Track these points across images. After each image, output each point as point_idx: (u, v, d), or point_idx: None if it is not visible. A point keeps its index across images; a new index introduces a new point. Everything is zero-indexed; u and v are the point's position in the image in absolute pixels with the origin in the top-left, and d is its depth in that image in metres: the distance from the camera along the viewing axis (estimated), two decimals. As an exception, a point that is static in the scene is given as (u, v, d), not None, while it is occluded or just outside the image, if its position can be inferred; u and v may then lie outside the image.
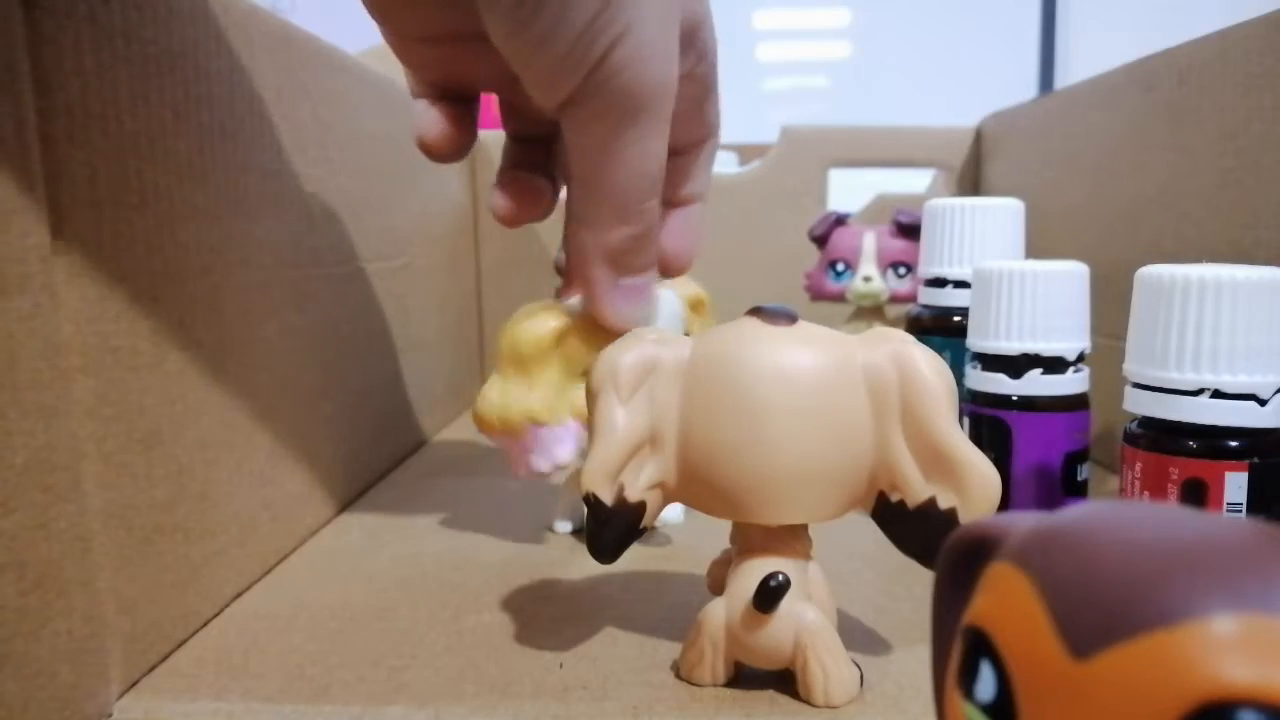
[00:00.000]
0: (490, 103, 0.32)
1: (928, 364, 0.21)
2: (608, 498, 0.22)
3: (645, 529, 0.23)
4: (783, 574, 0.21)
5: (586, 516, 0.22)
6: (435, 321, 0.54)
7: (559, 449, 0.29)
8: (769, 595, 0.22)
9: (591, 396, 0.22)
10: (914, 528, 0.22)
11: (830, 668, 0.22)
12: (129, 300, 0.24)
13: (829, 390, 0.21)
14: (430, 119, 0.29)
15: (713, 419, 0.21)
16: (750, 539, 0.23)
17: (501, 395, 0.29)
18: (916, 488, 0.21)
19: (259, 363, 0.31)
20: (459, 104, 0.29)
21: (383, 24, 0.26)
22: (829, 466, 0.21)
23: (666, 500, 0.23)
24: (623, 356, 0.22)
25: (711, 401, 0.21)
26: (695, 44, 0.26)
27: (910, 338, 0.22)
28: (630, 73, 0.23)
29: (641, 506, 0.22)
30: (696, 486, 0.22)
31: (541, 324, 0.29)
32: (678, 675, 0.24)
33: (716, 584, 0.25)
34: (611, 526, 0.22)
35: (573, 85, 0.23)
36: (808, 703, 0.22)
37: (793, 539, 0.23)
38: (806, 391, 0.21)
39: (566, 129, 0.25)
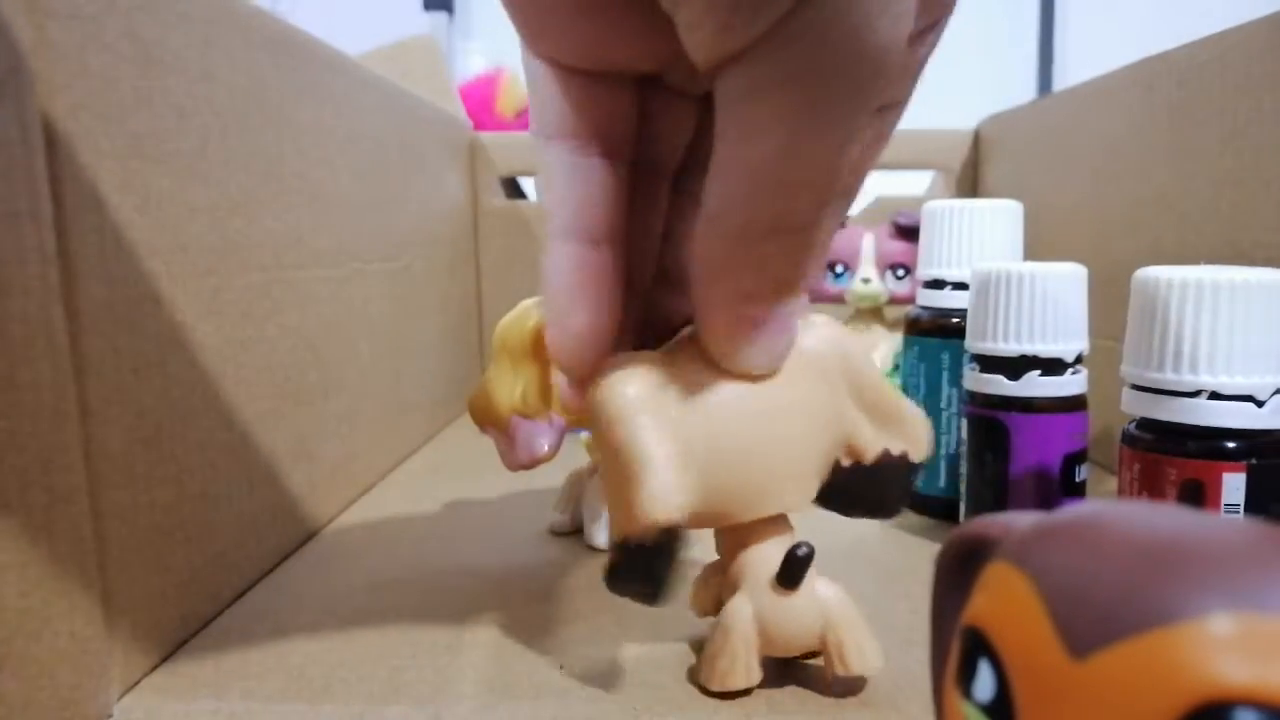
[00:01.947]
0: (488, 102, 0.31)
1: (850, 339, 0.23)
2: (682, 520, 0.20)
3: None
4: (806, 543, 0.22)
5: (644, 555, 0.20)
6: (435, 322, 0.54)
7: (539, 441, 0.29)
8: (797, 565, 0.22)
9: (612, 424, 0.20)
10: (872, 482, 0.23)
11: (861, 637, 0.23)
12: (131, 301, 0.24)
13: (795, 377, 0.22)
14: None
15: (720, 426, 0.21)
16: (743, 535, 0.23)
17: (490, 387, 0.30)
18: (871, 442, 0.23)
19: (260, 364, 0.31)
20: (616, 168, 0.21)
21: None
22: (815, 445, 0.22)
23: (689, 524, 0.22)
24: (635, 377, 0.21)
25: (716, 410, 0.21)
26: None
27: (824, 319, 0.23)
28: (848, 23, 0.15)
29: (683, 532, 0.21)
30: (711, 496, 0.22)
31: (526, 318, 0.29)
32: (706, 690, 0.23)
33: (709, 603, 0.25)
34: (667, 559, 0.20)
35: (758, 30, 0.15)
36: (845, 674, 0.23)
37: (782, 522, 0.23)
38: (778, 385, 0.22)
39: (730, 98, 0.17)
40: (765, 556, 0.23)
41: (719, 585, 0.24)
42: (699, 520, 0.22)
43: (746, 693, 0.23)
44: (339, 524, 0.37)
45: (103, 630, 0.22)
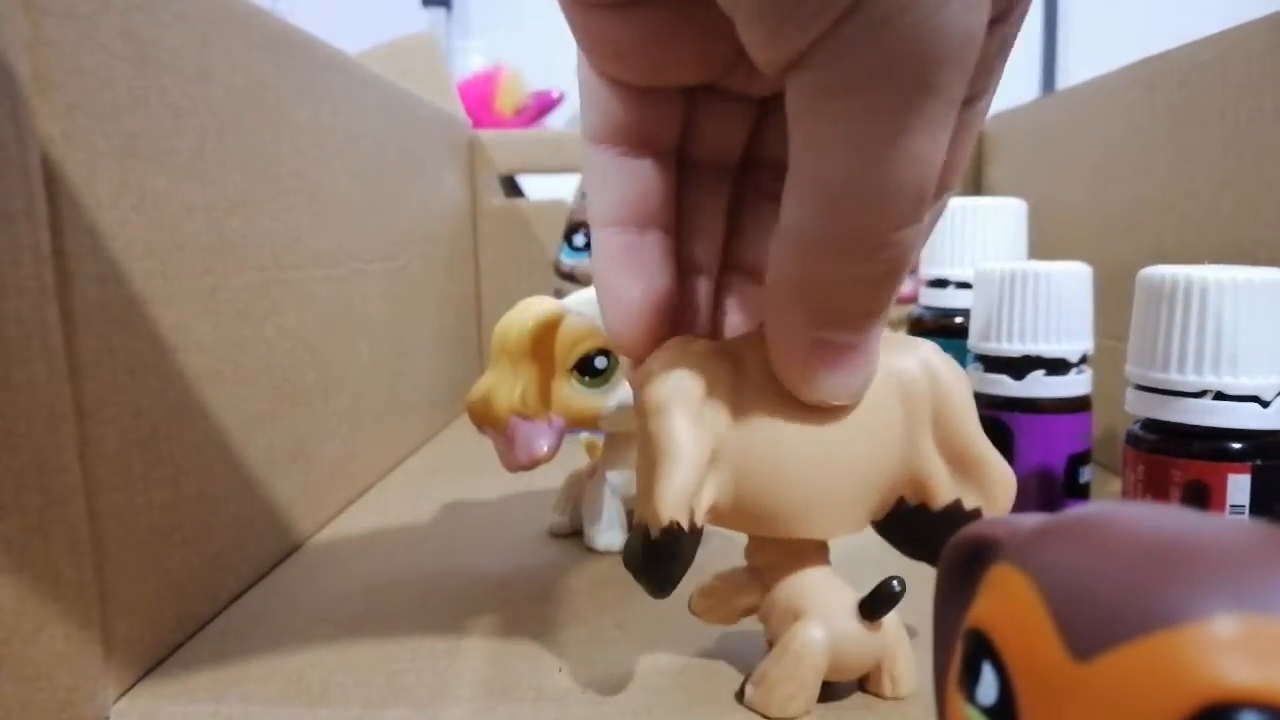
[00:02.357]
0: (487, 100, 0.31)
1: (953, 372, 0.22)
2: (687, 523, 0.20)
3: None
4: (899, 579, 0.21)
5: (652, 548, 0.20)
6: (434, 322, 0.54)
7: (538, 442, 0.29)
8: (889, 600, 0.21)
9: (652, 414, 0.20)
10: (935, 529, 0.22)
11: (909, 665, 0.23)
12: (127, 301, 0.24)
13: (873, 399, 0.21)
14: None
15: (764, 437, 0.21)
16: (789, 555, 0.23)
17: (488, 387, 0.29)
18: (945, 490, 0.21)
19: (258, 364, 0.31)
20: (663, 167, 0.21)
21: None
22: (871, 475, 0.21)
23: (714, 522, 0.22)
24: (684, 369, 0.20)
25: (767, 417, 0.21)
26: None
27: (932, 345, 0.22)
28: (909, 19, 0.14)
29: (702, 531, 0.21)
30: (745, 506, 0.21)
31: (526, 318, 0.29)
32: (765, 715, 0.22)
33: (730, 613, 0.24)
34: (683, 557, 0.20)
35: (812, 34, 0.15)
36: (892, 697, 0.23)
37: (825, 548, 0.23)
38: (850, 409, 0.21)
39: (794, 105, 0.16)
40: (827, 584, 0.22)
41: (751, 599, 0.24)
42: (730, 522, 0.22)
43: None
44: (337, 526, 0.37)
45: (99, 633, 0.22)
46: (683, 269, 0.22)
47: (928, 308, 0.39)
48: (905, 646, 0.23)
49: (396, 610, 0.28)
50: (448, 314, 0.57)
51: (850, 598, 0.22)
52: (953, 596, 0.13)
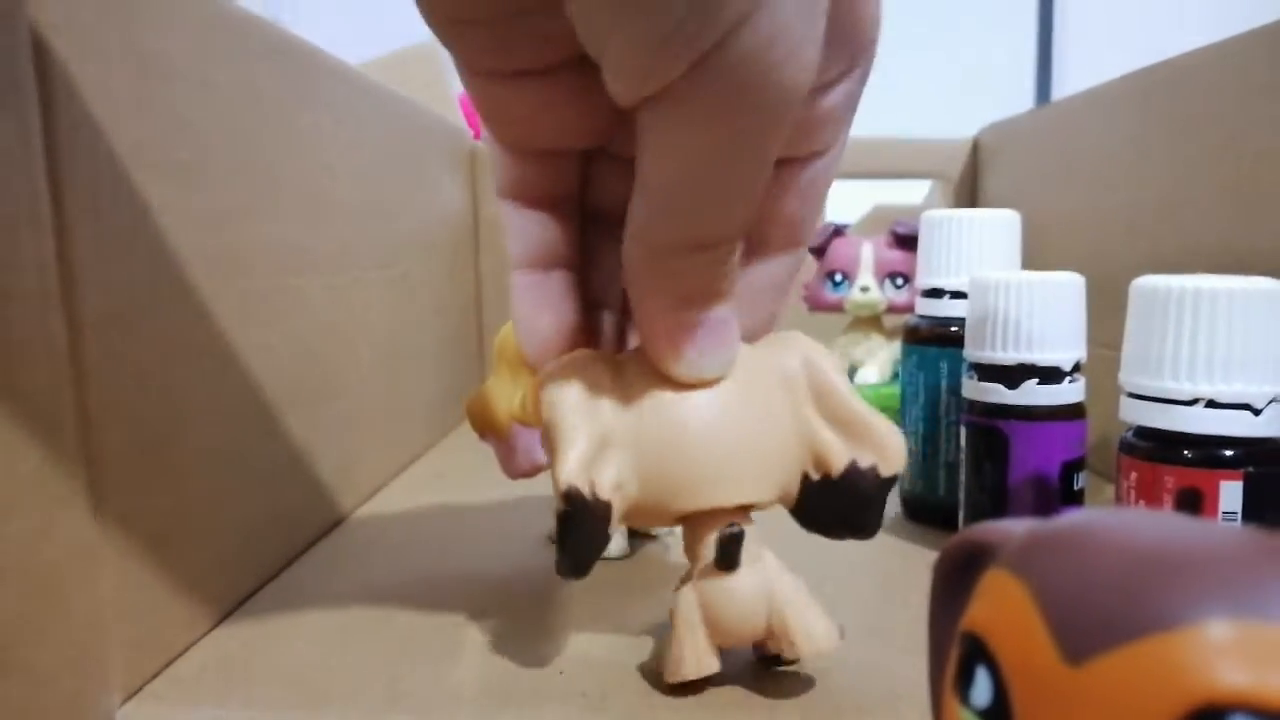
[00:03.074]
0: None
1: (822, 354, 0.24)
2: (587, 490, 0.21)
3: (610, 537, 0.23)
4: (736, 523, 0.22)
5: (561, 523, 0.21)
6: (435, 329, 0.54)
7: (539, 450, 0.30)
8: (728, 545, 0.22)
9: (544, 409, 0.23)
10: (840, 495, 0.23)
11: (810, 616, 0.23)
12: (130, 308, 0.24)
13: (750, 384, 0.23)
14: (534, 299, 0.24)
15: (658, 415, 0.22)
16: (696, 528, 0.23)
17: (489, 394, 0.30)
18: (838, 453, 0.23)
19: (260, 371, 0.31)
20: (562, 216, 0.24)
21: (457, 55, 0.20)
22: (761, 443, 0.23)
23: (627, 508, 0.23)
24: (568, 369, 0.23)
25: (654, 401, 0.22)
26: (854, 48, 0.20)
27: (799, 335, 0.24)
28: (755, 65, 0.17)
29: (610, 507, 0.22)
30: (650, 482, 0.22)
31: None
32: (669, 682, 0.23)
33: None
34: (590, 527, 0.22)
35: (674, 73, 0.17)
36: (793, 658, 0.23)
37: (737, 514, 0.23)
38: (733, 387, 0.23)
39: (648, 129, 0.19)
40: (709, 544, 0.23)
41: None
42: (644, 513, 0.23)
43: (703, 685, 0.24)
44: (339, 531, 0.37)
45: (104, 637, 0.22)
46: (590, 304, 0.25)
47: (923, 317, 0.39)
48: (794, 602, 0.23)
49: (398, 615, 0.29)
50: (448, 321, 0.57)
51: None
52: (948, 601, 0.13)
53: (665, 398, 0.22)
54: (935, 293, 0.38)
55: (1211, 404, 0.25)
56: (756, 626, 0.23)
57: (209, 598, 0.28)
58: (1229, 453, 0.25)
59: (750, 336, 0.24)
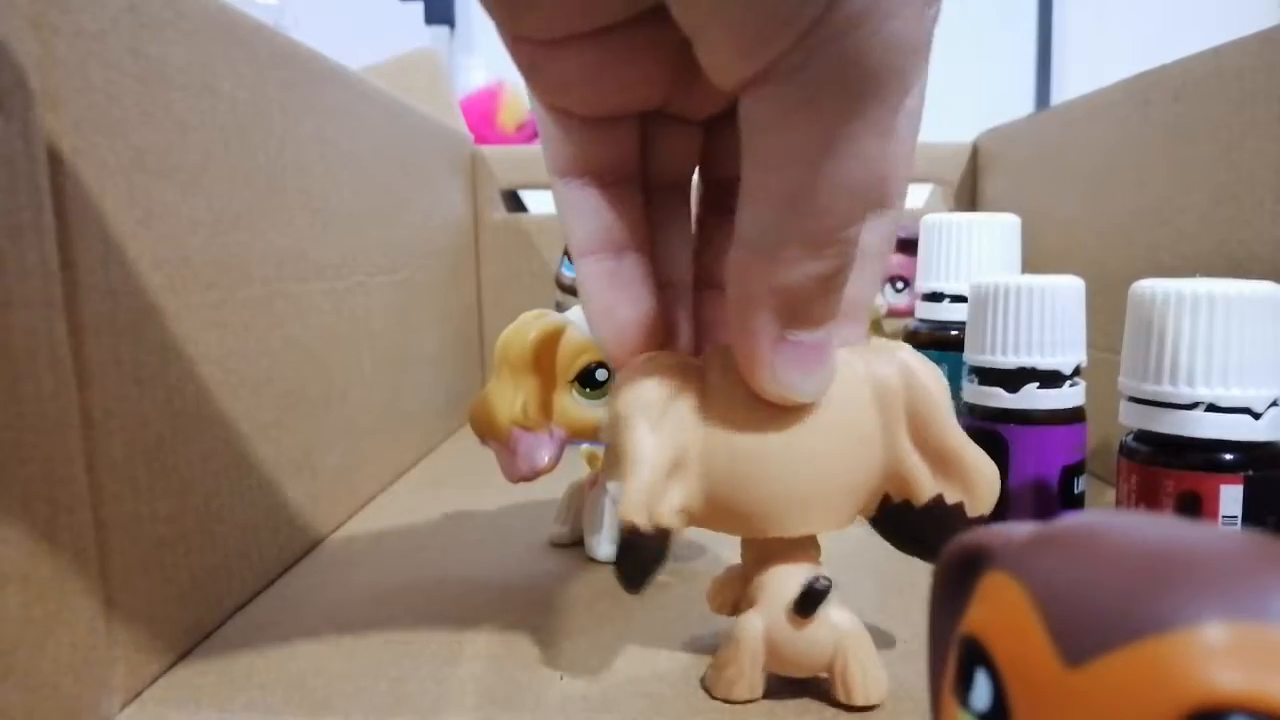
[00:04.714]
0: (489, 115, 0.31)
1: (928, 372, 0.22)
2: (647, 525, 0.21)
3: (667, 555, 0.22)
4: (825, 577, 0.22)
5: (620, 547, 0.21)
6: (436, 334, 0.54)
7: (540, 453, 0.30)
8: (813, 599, 0.22)
9: (618, 423, 0.21)
10: (920, 525, 0.23)
11: (869, 667, 0.23)
12: (134, 313, 0.24)
13: (841, 404, 0.22)
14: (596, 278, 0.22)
15: (734, 442, 0.21)
16: (766, 549, 0.23)
17: (490, 398, 0.30)
18: (925, 486, 0.22)
19: (262, 375, 0.31)
20: (626, 194, 0.22)
21: (520, 23, 0.19)
22: (846, 476, 0.22)
23: (689, 524, 0.23)
24: (648, 381, 0.21)
25: (734, 422, 0.21)
26: None
27: (907, 348, 0.23)
28: (864, 31, 0.15)
29: (669, 533, 0.22)
30: (719, 508, 0.22)
31: (527, 331, 0.29)
32: (711, 695, 0.23)
33: (727, 604, 0.25)
34: (645, 555, 0.21)
35: (777, 50, 0.15)
36: (846, 705, 0.23)
37: (809, 545, 0.23)
38: (821, 407, 0.21)
39: (751, 118, 0.17)
40: (784, 579, 0.23)
41: (739, 591, 0.24)
42: (709, 523, 0.23)
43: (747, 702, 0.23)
44: (341, 535, 0.37)
45: (105, 640, 0.23)
46: (660, 287, 0.23)
47: (923, 321, 0.39)
48: (858, 653, 0.23)
49: (399, 619, 0.29)
50: (450, 326, 0.57)
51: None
52: (947, 604, 0.13)
53: (746, 418, 0.21)
54: (935, 296, 0.38)
55: (1211, 408, 0.25)
56: (817, 668, 0.23)
57: (210, 601, 0.28)
58: (1229, 457, 0.25)
59: (853, 308, 0.22)
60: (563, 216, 0.22)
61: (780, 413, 0.21)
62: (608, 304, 0.22)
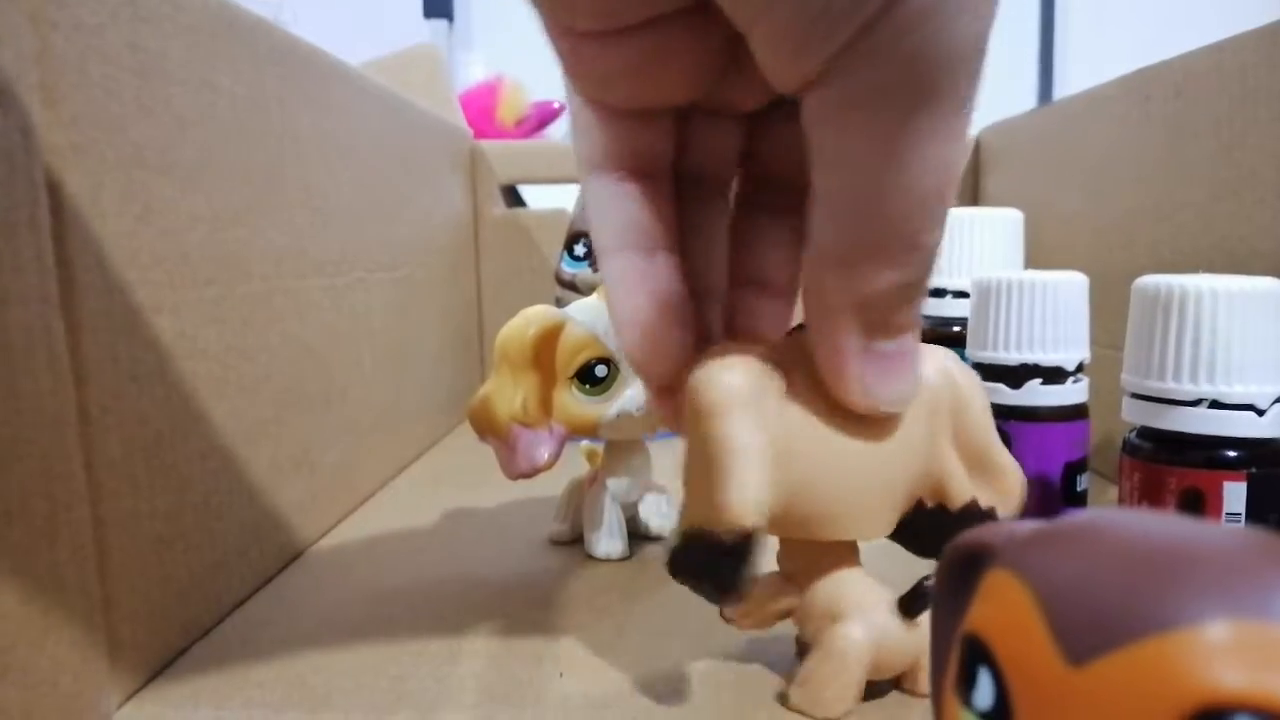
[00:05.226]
0: (489, 110, 0.31)
1: (966, 376, 0.22)
2: (759, 524, 0.19)
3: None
4: (931, 575, 0.21)
5: (721, 554, 0.19)
6: (436, 331, 0.54)
7: (539, 451, 0.30)
8: (925, 597, 0.22)
9: (706, 416, 0.20)
10: (954, 529, 0.22)
11: None
12: (132, 310, 0.24)
13: (905, 411, 0.21)
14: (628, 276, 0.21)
15: (811, 440, 0.21)
16: (821, 557, 0.23)
17: (490, 395, 0.30)
18: (963, 491, 0.22)
19: (261, 372, 0.31)
20: (660, 190, 0.21)
21: (563, 15, 0.18)
22: (902, 479, 0.22)
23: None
24: (735, 375, 0.20)
25: (813, 422, 0.21)
26: None
27: (947, 352, 0.23)
28: (929, 28, 0.15)
29: (757, 533, 0.20)
30: (788, 507, 0.21)
31: (526, 327, 0.29)
32: (811, 716, 0.22)
33: (768, 619, 0.24)
34: (751, 560, 0.20)
35: (835, 46, 0.15)
36: (924, 695, 0.23)
37: (855, 549, 0.23)
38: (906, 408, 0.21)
39: (814, 122, 0.16)
40: (862, 584, 0.23)
41: (786, 602, 0.24)
42: (773, 527, 0.21)
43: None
44: (340, 532, 0.37)
45: (103, 638, 0.22)
46: (692, 289, 0.22)
47: (925, 316, 0.39)
48: None
49: (399, 616, 0.29)
50: (449, 322, 0.57)
51: (886, 596, 0.23)
52: (949, 602, 0.13)
53: (822, 422, 0.20)
54: (937, 292, 0.38)
55: (1215, 404, 0.25)
56: (903, 667, 0.23)
57: (209, 599, 0.27)
58: (1232, 453, 0.25)
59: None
60: (592, 212, 0.21)
61: (850, 415, 0.20)
62: (635, 305, 0.21)
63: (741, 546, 0.19)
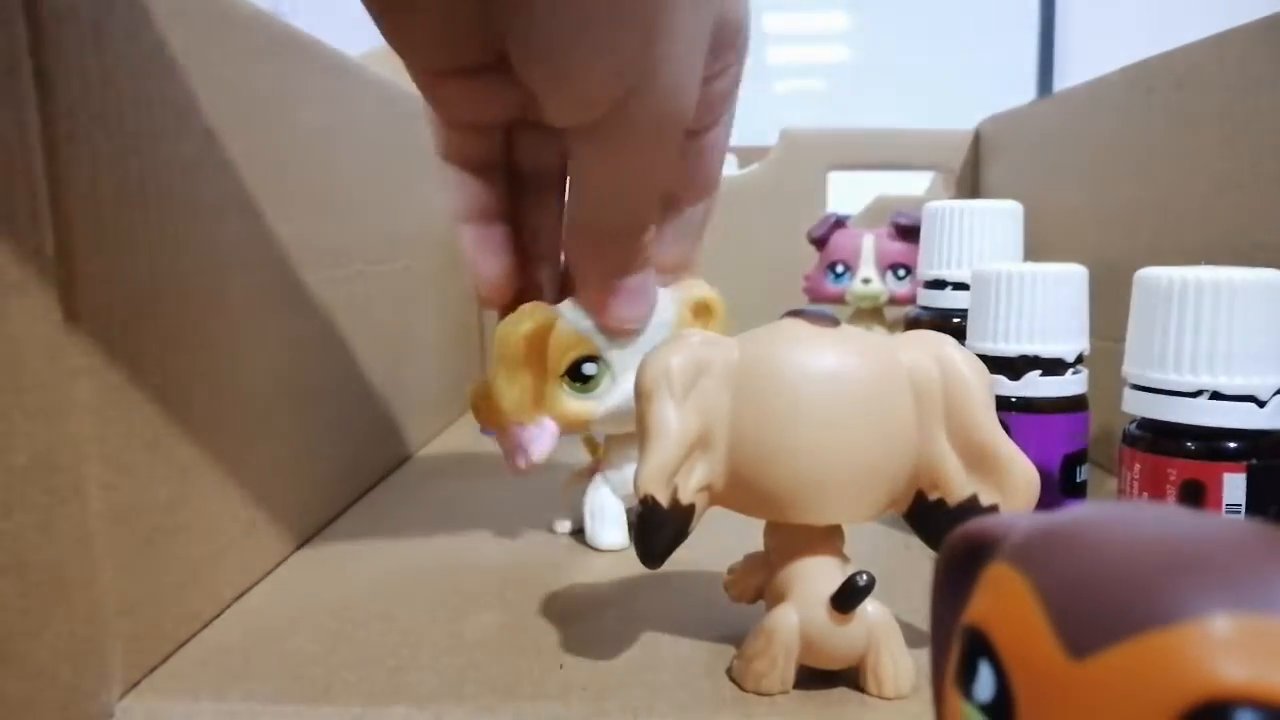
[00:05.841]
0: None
1: (969, 365, 0.22)
2: (664, 500, 0.21)
3: (688, 533, 0.22)
4: (866, 573, 0.22)
5: (637, 520, 0.22)
6: (435, 324, 0.54)
7: (535, 446, 0.30)
8: (856, 595, 0.22)
9: (642, 397, 0.22)
10: (951, 521, 0.22)
11: (900, 659, 0.22)
12: (131, 301, 0.24)
13: (877, 391, 0.21)
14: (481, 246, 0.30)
15: (763, 420, 0.21)
16: (793, 540, 0.23)
17: (487, 390, 0.30)
18: (959, 486, 0.22)
19: (260, 364, 0.31)
20: (492, 178, 0.29)
21: (411, 60, 0.25)
22: (877, 466, 0.22)
23: (712, 503, 0.23)
24: (674, 357, 0.22)
25: (762, 402, 0.21)
26: (735, 46, 0.26)
27: (951, 339, 0.23)
28: (657, 107, 0.23)
29: (692, 509, 0.22)
30: (744, 488, 0.22)
31: (518, 325, 0.29)
32: (741, 687, 0.23)
33: (748, 592, 0.25)
34: (664, 530, 0.21)
35: (595, 115, 0.23)
36: (878, 695, 0.23)
37: (836, 537, 0.23)
38: (856, 392, 0.21)
39: (578, 150, 0.25)
40: (818, 572, 0.22)
41: (763, 579, 0.24)
42: (732, 503, 0.23)
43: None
44: (339, 524, 0.37)
45: (103, 630, 0.22)
46: (529, 257, 0.31)
47: (925, 308, 0.39)
48: (890, 647, 0.22)
49: (399, 608, 0.29)
50: (449, 315, 0.57)
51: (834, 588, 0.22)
52: (950, 595, 0.13)
53: (777, 397, 0.21)
54: (937, 284, 0.38)
55: (1215, 396, 0.25)
56: (849, 661, 0.23)
57: (208, 590, 0.28)
58: (1232, 445, 0.25)
59: (680, 265, 0.30)
60: (446, 190, 0.29)
61: (811, 394, 0.21)
62: (479, 260, 0.30)
63: (648, 516, 0.21)
